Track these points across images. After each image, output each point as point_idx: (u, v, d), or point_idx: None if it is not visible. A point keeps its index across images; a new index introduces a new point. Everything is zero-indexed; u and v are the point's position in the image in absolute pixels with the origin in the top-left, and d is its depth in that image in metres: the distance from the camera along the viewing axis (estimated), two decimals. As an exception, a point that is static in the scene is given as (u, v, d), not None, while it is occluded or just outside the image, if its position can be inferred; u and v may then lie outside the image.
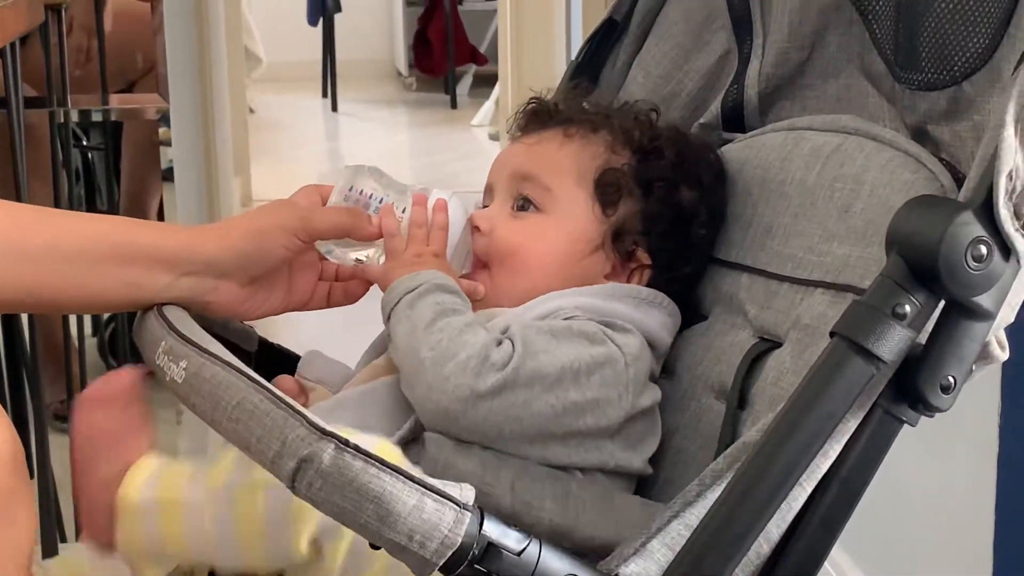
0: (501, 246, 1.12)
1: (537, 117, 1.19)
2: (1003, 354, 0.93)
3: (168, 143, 2.76)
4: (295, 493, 0.76)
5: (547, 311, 1.06)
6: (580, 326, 1.02)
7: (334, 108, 6.41)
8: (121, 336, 2.78)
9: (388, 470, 0.76)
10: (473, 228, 1.14)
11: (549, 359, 0.97)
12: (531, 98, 1.21)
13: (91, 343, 2.94)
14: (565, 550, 0.80)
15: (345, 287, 1.13)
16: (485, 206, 1.18)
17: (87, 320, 2.95)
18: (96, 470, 0.99)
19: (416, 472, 0.78)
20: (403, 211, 1.11)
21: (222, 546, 0.94)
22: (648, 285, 1.13)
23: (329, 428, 0.77)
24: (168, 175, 2.81)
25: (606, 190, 1.13)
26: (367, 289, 1.13)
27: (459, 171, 5.06)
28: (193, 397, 0.85)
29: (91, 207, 3.07)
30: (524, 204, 1.14)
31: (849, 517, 0.89)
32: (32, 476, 2.04)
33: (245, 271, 1.04)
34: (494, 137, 5.31)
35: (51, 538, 2.04)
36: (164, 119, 2.69)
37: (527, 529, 0.81)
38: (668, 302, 1.12)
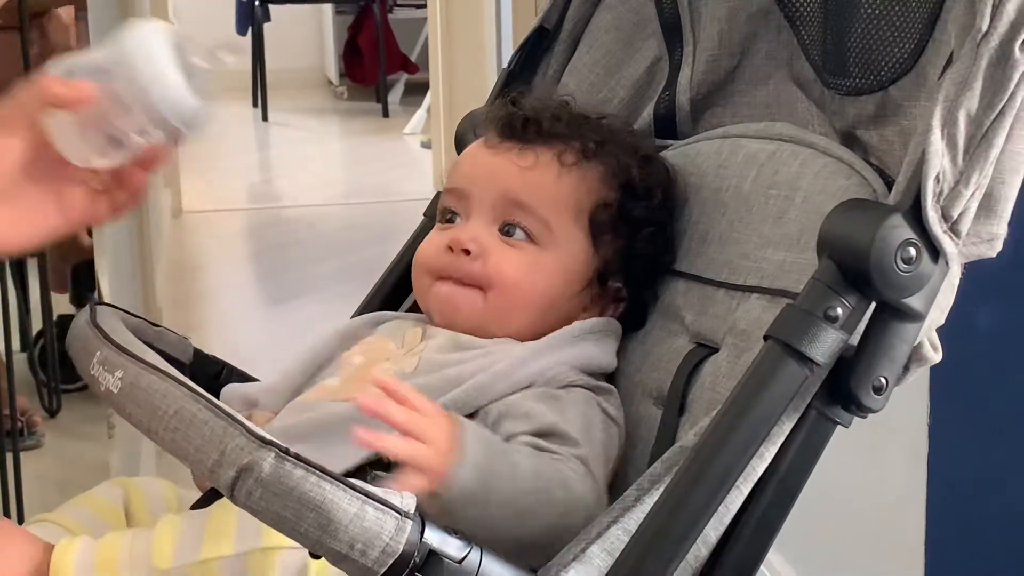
0: (500, 275, 1.09)
1: (518, 124, 1.13)
2: (936, 356, 0.95)
3: (96, 155, 2.72)
4: (234, 502, 0.76)
5: (530, 376, 1.04)
6: (596, 417, 1.03)
7: (264, 118, 6.37)
8: (51, 351, 2.74)
9: (329, 479, 0.75)
10: (461, 250, 1.10)
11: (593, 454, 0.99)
12: (511, 98, 1.17)
13: (19, 358, 2.90)
14: (505, 558, 0.81)
15: (128, 190, 1.01)
16: (449, 210, 1.14)
17: (15, 335, 2.91)
18: None
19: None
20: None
21: None
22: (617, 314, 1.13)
23: (269, 437, 0.76)
24: (95, 188, 2.77)
25: (601, 228, 1.11)
26: (145, 177, 1.00)
27: (392, 179, 5.05)
28: (129, 407, 0.84)
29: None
30: (511, 230, 1.10)
31: (785, 518, 0.90)
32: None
33: None
34: (426, 145, 5.30)
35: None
36: (92, 132, 2.65)
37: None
38: (617, 326, 1.13)
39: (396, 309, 1.26)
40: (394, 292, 1.27)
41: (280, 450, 0.75)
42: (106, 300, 2.24)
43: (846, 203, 0.89)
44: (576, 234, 1.11)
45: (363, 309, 1.26)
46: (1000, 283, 1.46)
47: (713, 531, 0.87)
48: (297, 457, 0.75)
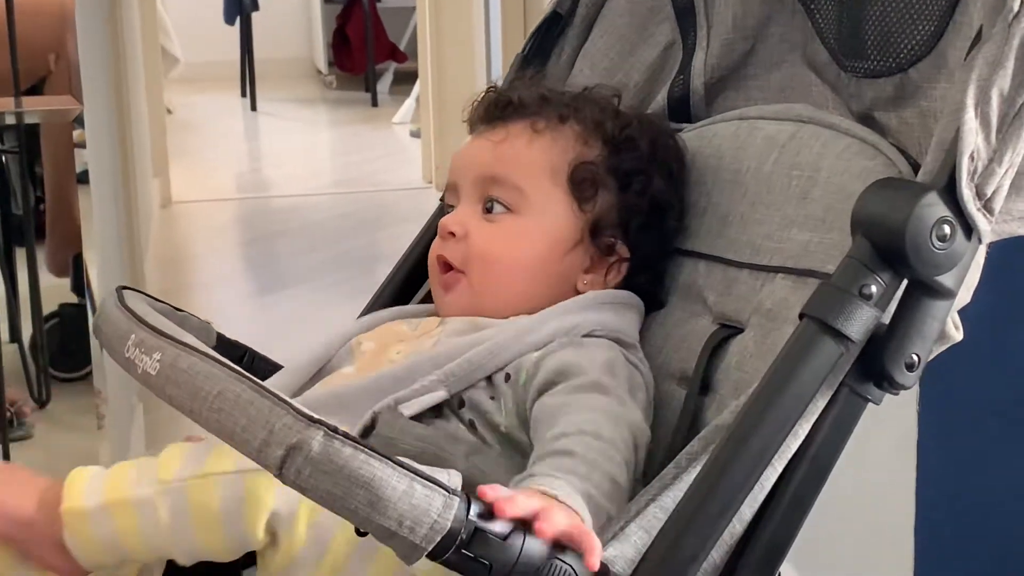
0: (480, 253, 1.11)
1: (498, 108, 1.17)
2: (958, 335, 0.95)
3: (83, 145, 2.71)
4: (283, 481, 0.75)
5: (550, 334, 1.04)
6: (619, 359, 1.03)
7: (253, 107, 6.36)
8: (40, 341, 2.73)
9: (377, 456, 0.75)
10: (447, 233, 1.12)
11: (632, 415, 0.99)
12: (489, 87, 1.20)
13: (9, 349, 2.89)
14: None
15: None
16: (450, 205, 1.16)
17: (3, 327, 2.90)
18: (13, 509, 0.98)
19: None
20: None
21: (179, 537, 0.95)
22: (625, 278, 1.13)
23: (316, 416, 0.76)
24: (84, 178, 2.76)
25: (582, 185, 1.12)
26: None
27: (380, 169, 5.04)
28: (170, 388, 0.83)
29: (5, 211, 3.01)
30: (491, 205, 1.12)
31: (817, 495, 0.90)
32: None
33: None
34: (415, 134, 5.29)
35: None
36: (79, 120, 2.64)
37: None
38: (639, 301, 1.13)
39: (407, 302, 1.27)
40: (405, 285, 1.28)
41: (329, 428, 0.75)
42: (94, 290, 2.24)
43: (879, 182, 0.90)
44: (555, 195, 1.12)
45: (373, 303, 1.27)
46: (992, 269, 1.46)
47: (748, 508, 0.88)
48: (346, 435, 0.75)
